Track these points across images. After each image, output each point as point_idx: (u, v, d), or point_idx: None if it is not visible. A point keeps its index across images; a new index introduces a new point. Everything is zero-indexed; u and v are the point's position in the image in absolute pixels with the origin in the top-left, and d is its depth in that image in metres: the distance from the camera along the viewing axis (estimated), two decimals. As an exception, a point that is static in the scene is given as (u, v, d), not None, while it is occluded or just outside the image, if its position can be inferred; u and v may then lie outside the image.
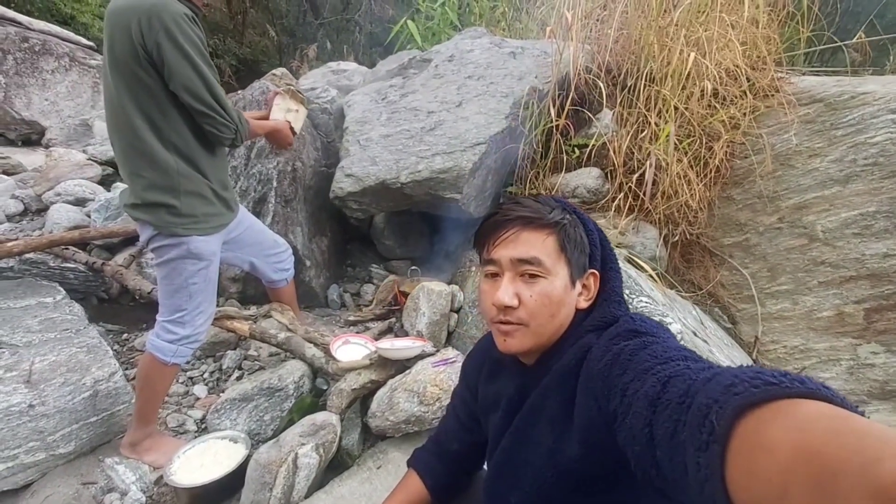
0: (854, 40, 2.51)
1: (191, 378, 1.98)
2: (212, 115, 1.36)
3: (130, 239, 2.51)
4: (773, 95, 2.33)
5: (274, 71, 2.84)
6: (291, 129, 1.77)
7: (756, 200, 2.29)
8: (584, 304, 0.77)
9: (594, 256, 0.79)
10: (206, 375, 2.00)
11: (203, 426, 1.74)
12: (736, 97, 2.27)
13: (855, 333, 2.00)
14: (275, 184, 2.23)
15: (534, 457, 0.74)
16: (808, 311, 2.09)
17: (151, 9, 1.24)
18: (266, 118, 1.76)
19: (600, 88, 2.28)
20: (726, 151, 2.25)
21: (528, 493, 0.75)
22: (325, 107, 2.80)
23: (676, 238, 2.28)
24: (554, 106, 2.31)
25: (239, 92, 2.56)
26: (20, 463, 1.42)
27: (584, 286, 0.78)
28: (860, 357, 1.97)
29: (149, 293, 2.03)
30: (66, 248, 2.20)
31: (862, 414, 0.34)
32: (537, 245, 0.74)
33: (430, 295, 2.00)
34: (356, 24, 10.26)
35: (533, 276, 0.73)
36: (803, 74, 2.52)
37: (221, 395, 1.80)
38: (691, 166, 2.18)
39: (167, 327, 1.49)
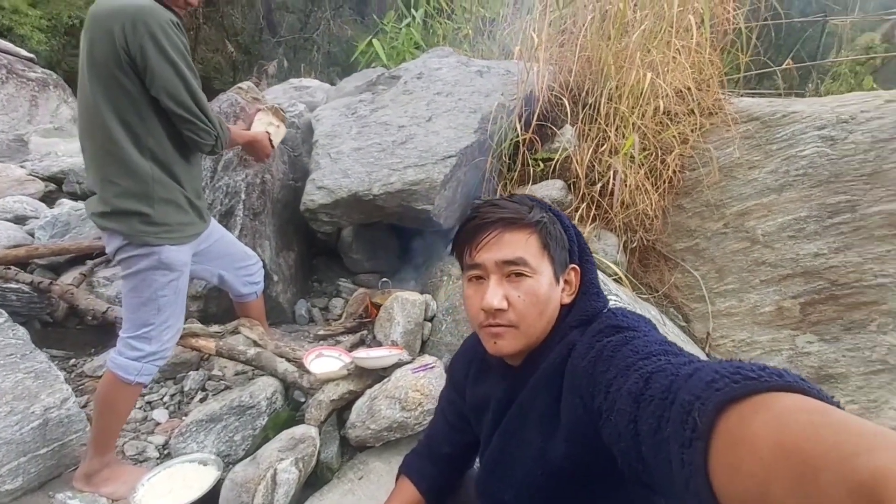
0: (784, 66, 2.79)
1: (149, 402, 1.86)
2: (193, 120, 1.33)
3: (77, 258, 2.36)
4: (716, 114, 2.54)
5: (240, 85, 2.78)
6: (270, 141, 1.75)
7: (704, 208, 2.47)
8: (567, 300, 0.78)
9: (573, 251, 0.80)
10: (166, 399, 1.88)
11: (166, 452, 1.64)
12: (684, 115, 2.45)
13: (793, 325, 2.18)
14: (243, 196, 2.18)
15: (524, 456, 0.75)
16: (752, 307, 2.25)
17: (137, 13, 1.21)
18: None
19: (563, 105, 2.41)
20: (678, 164, 2.42)
21: (519, 491, 0.76)
22: (292, 121, 2.77)
23: (635, 244, 2.41)
24: (520, 121, 2.41)
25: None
26: (-42, 502, 1.28)
27: (566, 281, 0.79)
28: (798, 347, 2.15)
29: (103, 313, 1.91)
30: (8, 268, 2.03)
31: (837, 404, 0.36)
32: (521, 245, 0.74)
33: (404, 304, 1.99)
34: (314, 44, 10.26)
35: (519, 275, 0.73)
36: (741, 95, 2.77)
37: (185, 418, 1.70)
38: (647, 177, 2.33)
39: (131, 344, 1.40)
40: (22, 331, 1.75)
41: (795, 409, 0.35)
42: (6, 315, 1.79)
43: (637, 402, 0.50)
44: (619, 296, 1.75)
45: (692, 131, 2.44)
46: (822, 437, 0.31)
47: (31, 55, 5.22)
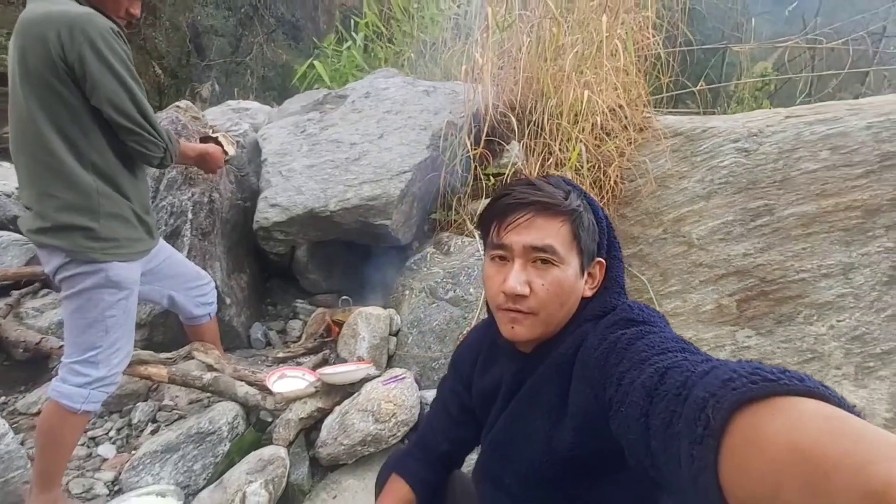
0: (698, 88, 3.12)
1: (93, 438, 1.71)
2: (138, 131, 1.27)
3: (2, 289, 2.14)
4: (646, 129, 2.79)
5: (178, 103, 2.69)
6: (224, 150, 1.70)
7: (644, 216, 2.67)
8: (588, 293, 0.76)
9: (601, 244, 0.78)
10: (112, 433, 1.74)
11: (117, 488, 1.51)
12: (619, 130, 2.66)
13: (732, 322, 2.39)
14: (190, 216, 2.08)
15: (529, 441, 0.75)
16: (695, 306, 2.44)
17: (74, 21, 1.16)
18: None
19: (509, 122, 2.54)
20: (617, 175, 2.62)
21: (521, 474, 0.76)
22: (237, 140, 2.71)
23: (585, 252, 2.56)
24: (469, 138, 2.51)
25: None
26: None
27: (590, 274, 0.76)
28: (739, 342, 2.35)
29: (37, 344, 1.74)
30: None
31: (858, 414, 0.35)
32: (552, 233, 0.71)
33: (368, 319, 1.99)
34: (247, 67, 10.04)
35: (546, 262, 0.71)
36: (665, 114, 3.06)
37: (135, 451, 1.58)
38: (592, 188, 2.49)
39: (76, 369, 1.30)
40: (-61, 370, 1.56)
41: (813, 414, 0.34)
42: (-82, 353, 1.59)
43: (650, 396, 0.50)
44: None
45: (628, 145, 2.66)
46: (837, 443, 0.30)
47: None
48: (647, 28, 2.75)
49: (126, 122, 1.26)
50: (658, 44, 2.97)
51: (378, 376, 1.77)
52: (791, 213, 2.39)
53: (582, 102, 2.36)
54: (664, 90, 3.17)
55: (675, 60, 3.14)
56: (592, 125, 2.59)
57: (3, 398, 1.80)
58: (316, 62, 4.01)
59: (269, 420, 1.65)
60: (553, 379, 0.73)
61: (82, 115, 1.24)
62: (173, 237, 2.08)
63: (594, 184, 2.54)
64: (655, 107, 3.24)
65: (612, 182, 2.54)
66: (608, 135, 2.67)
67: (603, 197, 2.55)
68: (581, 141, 2.44)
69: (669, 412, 0.46)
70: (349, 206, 2.16)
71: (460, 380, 0.97)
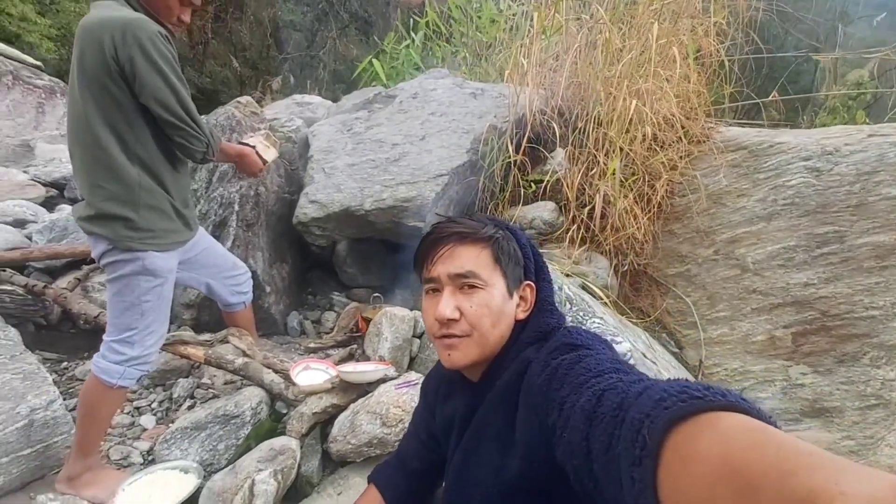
0: (769, 98, 2.87)
1: (137, 408, 1.87)
2: (182, 126, 1.36)
3: (74, 262, 2.39)
4: (704, 142, 2.60)
5: (238, 99, 2.86)
6: (260, 156, 1.78)
7: (694, 234, 2.51)
8: (522, 315, 0.80)
9: (528, 268, 0.82)
10: (154, 405, 1.90)
11: (150, 458, 1.64)
12: (672, 142, 2.51)
13: (785, 356, 2.19)
14: (236, 207, 2.22)
15: (481, 473, 0.76)
16: (744, 335, 2.27)
17: (126, 25, 1.26)
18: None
19: (553, 129, 2.47)
20: (666, 189, 2.47)
21: None
22: (289, 135, 2.84)
23: (626, 268, 2.44)
24: (511, 143, 2.47)
25: (203, 117, 2.56)
26: (-62, 501, 1.29)
27: (521, 298, 0.80)
28: (791, 378, 2.16)
29: (95, 318, 1.93)
30: (3, 270, 2.07)
31: (775, 424, 0.37)
32: (472, 259, 0.76)
33: (392, 320, 2.02)
34: (320, 61, 10.47)
35: (472, 286, 0.75)
36: (729, 125, 2.84)
37: (171, 425, 1.71)
38: (636, 202, 2.37)
39: (115, 347, 1.42)
40: (13, 332, 1.78)
41: (738, 428, 0.36)
42: (-2, 317, 1.82)
43: (590, 419, 0.51)
44: (603, 319, 1.78)
45: (681, 158, 2.50)
46: (761, 455, 0.32)
47: (38, 63, 5.32)
48: (713, 35, 2.55)
49: (171, 118, 1.35)
50: (724, 51, 2.76)
51: (396, 378, 1.80)
52: (865, 242, 2.15)
53: (629, 111, 2.24)
54: (731, 99, 2.94)
55: (748, 69, 2.90)
56: (644, 136, 2.46)
57: (65, 363, 2.02)
58: (375, 60, 4.10)
59: (285, 412, 1.73)
60: (499, 406, 0.74)
61: (131, 112, 1.34)
62: (220, 227, 2.22)
63: (639, 197, 2.42)
64: (724, 117, 3.02)
65: (659, 196, 2.41)
66: (660, 146, 2.53)
67: (648, 211, 2.42)
68: (626, 152, 2.33)
69: (608, 435, 0.47)
70: (384, 207, 2.20)
71: (427, 407, 0.99)
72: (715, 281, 2.40)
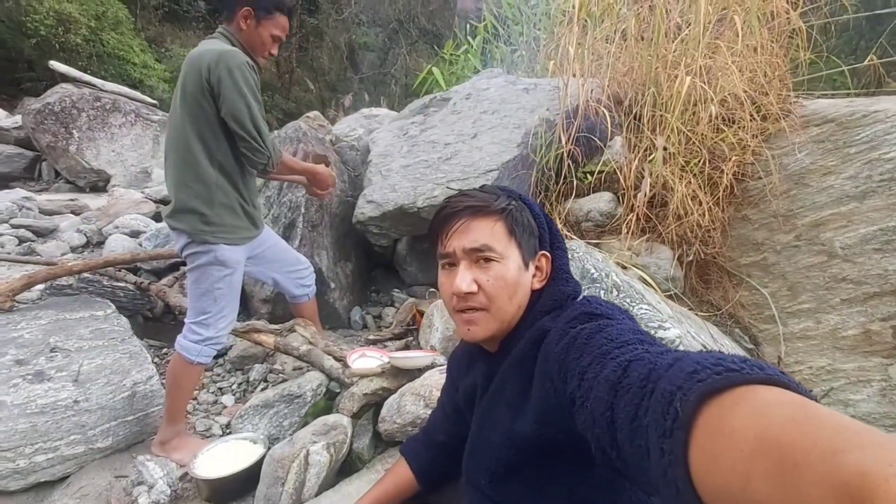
0: (866, 62, 2.54)
1: (220, 388, 2.12)
2: (249, 140, 1.57)
3: (176, 264, 2.76)
4: (783, 118, 2.37)
5: (307, 114, 3.13)
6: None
7: (772, 219, 2.28)
8: (538, 285, 0.80)
9: (543, 238, 0.82)
10: (234, 386, 2.13)
11: (228, 431, 1.85)
12: (743, 120, 2.32)
13: (884, 353, 1.92)
14: (303, 210, 2.43)
15: (495, 437, 0.77)
16: (832, 329, 2.02)
17: (221, 55, 1.51)
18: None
19: (609, 117, 2.40)
20: (737, 172, 2.28)
21: (493, 472, 0.78)
22: (352, 144, 3.04)
23: (691, 258, 2.29)
24: (564, 134, 2.43)
25: (274, 131, 2.84)
26: (60, 455, 1.56)
27: (536, 268, 0.80)
28: (892, 377, 1.88)
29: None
30: (119, 270, 2.45)
31: (816, 400, 0.35)
32: (487, 232, 0.76)
33: (443, 311, 2.08)
34: (392, 77, 11.00)
35: (487, 259, 0.76)
36: (816, 98, 2.55)
37: (246, 403, 1.91)
38: (701, 187, 2.22)
39: (193, 328, 1.64)
40: (124, 320, 2.10)
41: (776, 403, 0.35)
42: (113, 307, 2.15)
43: (615, 389, 0.50)
44: (653, 306, 1.69)
45: (754, 137, 2.30)
46: (804, 431, 0.30)
47: (154, 101, 6.19)
48: (785, -1, 2.31)
49: (241, 132, 1.57)
50: (795, 16, 2.48)
51: (443, 365, 1.86)
52: (985, 219, 1.83)
53: (684, 89, 2.11)
54: (809, 69, 2.64)
55: (838, 33, 2.59)
56: (710, 116, 2.30)
57: (166, 350, 2.34)
58: (434, 68, 4.24)
59: (339, 391, 1.86)
60: (514, 375, 0.75)
61: (216, 126, 1.58)
62: (289, 228, 2.44)
63: (706, 182, 2.26)
64: (809, 87, 2.72)
65: (727, 180, 2.23)
66: (730, 126, 2.35)
67: (716, 196, 2.25)
68: (687, 134, 2.19)
69: (634, 405, 0.46)
70: (435, 204, 2.27)
71: (451, 381, 1.02)
72: (797, 269, 2.17)
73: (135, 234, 3.13)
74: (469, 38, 4.28)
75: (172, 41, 9.31)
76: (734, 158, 2.27)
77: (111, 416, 1.67)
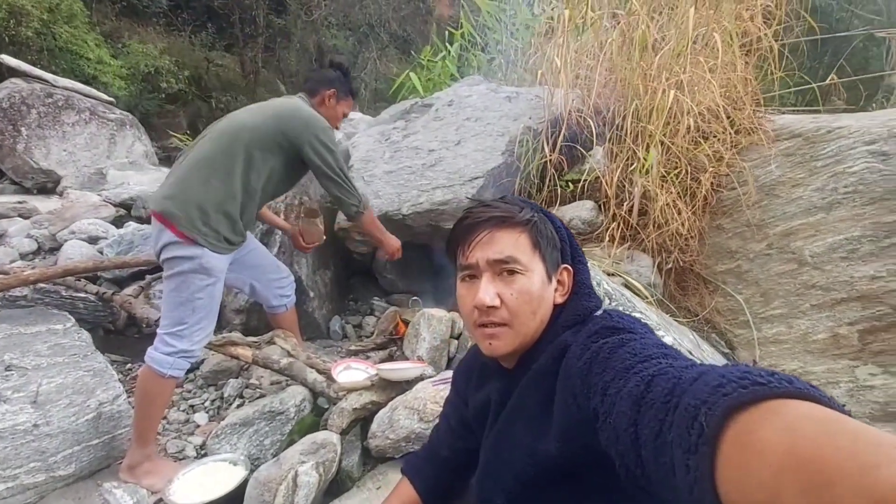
0: (827, 82, 2.69)
1: (192, 406, 1.99)
2: (343, 184, 1.78)
3: (139, 273, 2.59)
4: (754, 132, 2.48)
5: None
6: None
7: (745, 228, 2.37)
8: (560, 300, 0.78)
9: (565, 252, 0.81)
10: (207, 403, 2.01)
11: (203, 452, 1.74)
12: (718, 133, 2.41)
13: (851, 355, 2.02)
14: (282, 216, 2.33)
15: (515, 455, 0.75)
16: (803, 334, 2.11)
17: (311, 117, 1.75)
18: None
19: (591, 127, 2.43)
20: (712, 182, 2.36)
21: (511, 491, 0.75)
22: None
23: (670, 265, 2.35)
24: (548, 143, 2.45)
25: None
26: (20, 484, 1.42)
27: (558, 282, 0.79)
28: (859, 379, 1.98)
29: (156, 321, 2.07)
30: (78, 280, 2.27)
31: (849, 414, 0.34)
32: (512, 244, 0.74)
33: (430, 321, 2.04)
34: (362, 81, 10.86)
35: (511, 272, 0.74)
36: (782, 113, 2.68)
37: (222, 421, 1.80)
38: (680, 196, 2.28)
39: (166, 339, 1.53)
40: (85, 334, 1.94)
41: (807, 417, 0.33)
42: (73, 321, 1.99)
43: (638, 405, 0.49)
44: (644, 314, 1.71)
45: (728, 149, 2.39)
46: (837, 445, 0.29)
47: (111, 99, 5.86)
48: (759, 18, 2.43)
49: (335, 177, 1.77)
50: (772, 35, 2.62)
51: (433, 377, 1.81)
52: (942, 229, 1.96)
53: (667, 103, 2.17)
54: (780, 86, 2.78)
55: (807, 53, 2.74)
56: (687, 128, 2.38)
57: (129, 364, 2.18)
58: (412, 73, 4.21)
59: (326, 407, 1.78)
60: (535, 390, 0.73)
61: (273, 162, 1.71)
62: (267, 235, 2.34)
63: (683, 192, 2.33)
64: (775, 104, 2.86)
65: (704, 190, 2.30)
66: (705, 138, 2.43)
67: (694, 206, 2.32)
68: (668, 145, 2.25)
69: (658, 421, 0.45)
70: (420, 210, 2.24)
71: (458, 395, 0.99)
72: (769, 277, 2.26)
73: (93, 241, 2.92)
74: (447, 44, 4.27)
75: (130, 37, 8.84)
76: (710, 170, 2.34)
77: (74, 440, 1.52)
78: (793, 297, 2.17)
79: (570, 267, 0.81)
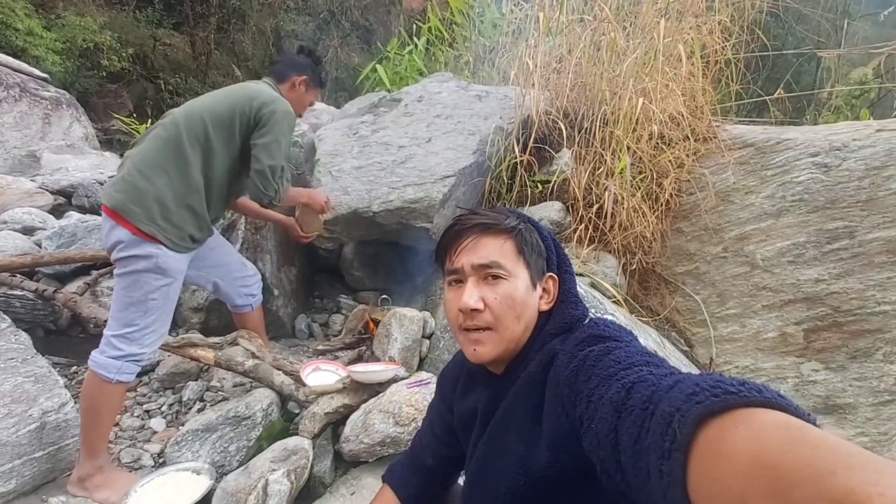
0: (775, 96, 2.87)
1: (147, 411, 1.87)
2: (266, 172, 1.59)
3: (83, 268, 2.40)
4: (710, 140, 2.60)
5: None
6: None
7: (703, 232, 2.50)
8: (545, 307, 0.79)
9: (550, 260, 0.82)
10: (164, 408, 1.89)
11: (161, 460, 1.63)
12: (679, 140, 2.51)
13: (797, 353, 2.17)
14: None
15: (505, 464, 0.75)
16: (755, 332, 2.25)
17: (277, 99, 1.66)
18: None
19: (560, 129, 2.47)
20: (674, 187, 2.47)
21: (502, 501, 0.75)
22: (295, 139, 2.85)
23: (634, 266, 2.43)
24: (518, 144, 2.47)
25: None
26: (-51, 504, 1.28)
27: (544, 289, 0.80)
28: (804, 375, 2.13)
29: (105, 321, 1.92)
30: (13, 276, 2.07)
31: (814, 422, 0.36)
32: (496, 249, 0.76)
33: (402, 321, 2.01)
34: (322, 70, 10.57)
35: (496, 277, 0.75)
36: (735, 123, 2.84)
37: (181, 427, 1.70)
38: (644, 200, 2.37)
39: (113, 343, 1.43)
40: (24, 336, 1.77)
41: (773, 425, 0.35)
42: (9, 321, 1.81)
43: (618, 411, 0.51)
44: (615, 316, 1.77)
45: (687, 156, 2.50)
46: (798, 453, 0.31)
47: (45, 75, 5.38)
48: (717, 33, 2.55)
49: (265, 161, 1.60)
50: (729, 49, 2.76)
51: (406, 378, 1.79)
52: (876, 237, 2.14)
53: (636, 109, 2.24)
54: (735, 97, 2.95)
55: (752, 67, 2.91)
56: (650, 134, 2.46)
57: (74, 367, 2.01)
58: (378, 66, 4.13)
59: (297, 411, 1.72)
60: (524, 398, 0.73)
61: (233, 148, 1.62)
62: (229, 230, 2.23)
63: (647, 196, 2.41)
64: (729, 115, 3.02)
65: (667, 194, 2.40)
66: (667, 145, 2.53)
67: (656, 210, 2.42)
68: (634, 151, 2.33)
69: (637, 427, 0.46)
70: (391, 208, 2.20)
71: (444, 401, 0.98)
72: (724, 278, 2.39)
73: (28, 231, 2.67)
74: (414, 38, 4.21)
75: (66, 7, 8.14)
76: (672, 175, 2.44)
77: (14, 453, 1.39)
78: (746, 298, 2.30)
79: (555, 276, 0.82)
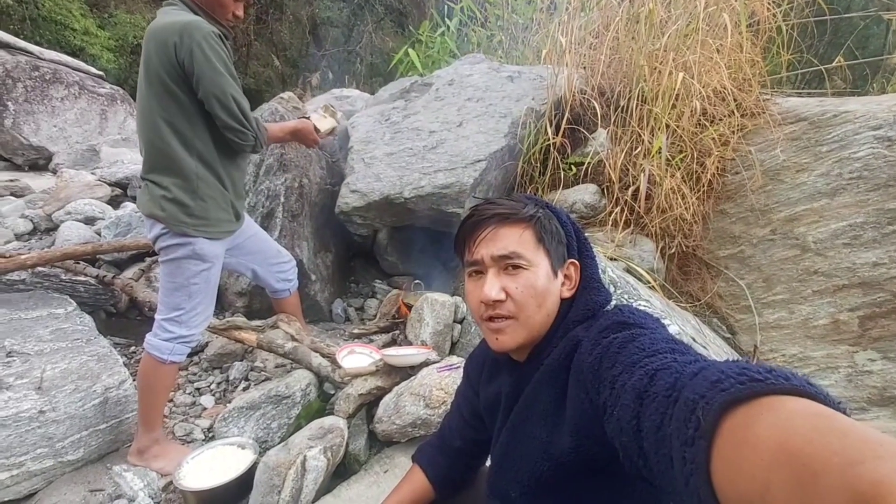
0: (833, 64, 2.65)
1: (198, 389, 2.00)
2: (232, 123, 1.44)
3: (140, 255, 2.57)
4: (759, 115, 2.45)
5: (281, 95, 2.95)
6: (316, 128, 1.85)
7: (748, 213, 2.37)
8: (567, 294, 0.79)
9: (571, 246, 0.81)
10: (213, 386, 2.02)
11: (210, 435, 1.75)
12: (724, 116, 2.38)
13: (851, 341, 2.05)
14: (282, 199, 2.30)
15: (529, 450, 0.75)
16: (804, 319, 2.14)
17: (185, 27, 1.36)
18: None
19: (594, 108, 2.39)
20: (717, 167, 2.35)
21: (526, 485, 0.76)
22: (339, 111, 2.90)
23: (673, 250, 2.35)
24: (551, 125, 2.41)
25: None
26: (26, 471, 1.43)
27: (565, 276, 0.79)
28: (858, 364, 2.01)
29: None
30: (77, 263, 2.24)
31: (844, 411, 0.35)
32: (515, 239, 0.75)
33: (433, 305, 2.04)
34: (357, 56, 10.61)
35: (516, 267, 0.75)
36: (787, 96, 2.65)
37: (228, 404, 1.81)
38: (684, 181, 2.27)
39: (164, 326, 1.52)
40: (88, 318, 1.93)
41: (800, 413, 0.34)
42: (75, 304, 1.98)
43: (641, 398, 0.50)
44: (649, 302, 1.72)
45: (733, 133, 2.36)
46: (825, 442, 0.30)
47: (101, 72, 5.69)
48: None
49: (222, 114, 1.43)
50: (780, 15, 2.56)
51: (438, 362, 1.82)
52: (944, 217, 1.96)
53: (676, 85, 2.13)
54: (788, 67, 2.74)
55: (809, 33, 2.69)
56: (692, 111, 2.34)
57: (133, 347, 2.18)
58: (410, 50, 4.11)
59: (333, 392, 1.79)
60: (548, 385, 0.74)
61: (190, 110, 1.43)
62: (268, 218, 2.31)
63: (687, 176, 2.31)
64: (783, 87, 2.82)
65: (709, 174, 2.29)
66: (710, 121, 2.40)
67: (697, 191, 2.31)
68: (672, 128, 2.22)
69: (660, 414, 0.46)
70: (423, 194, 2.21)
71: (470, 386, 0.99)
72: (771, 262, 2.27)
73: (90, 221, 2.88)
74: (446, 19, 4.16)
75: (117, 6, 8.54)
76: (716, 154, 2.32)
77: (81, 425, 1.53)
78: (795, 283, 2.18)
79: (576, 261, 0.81)
